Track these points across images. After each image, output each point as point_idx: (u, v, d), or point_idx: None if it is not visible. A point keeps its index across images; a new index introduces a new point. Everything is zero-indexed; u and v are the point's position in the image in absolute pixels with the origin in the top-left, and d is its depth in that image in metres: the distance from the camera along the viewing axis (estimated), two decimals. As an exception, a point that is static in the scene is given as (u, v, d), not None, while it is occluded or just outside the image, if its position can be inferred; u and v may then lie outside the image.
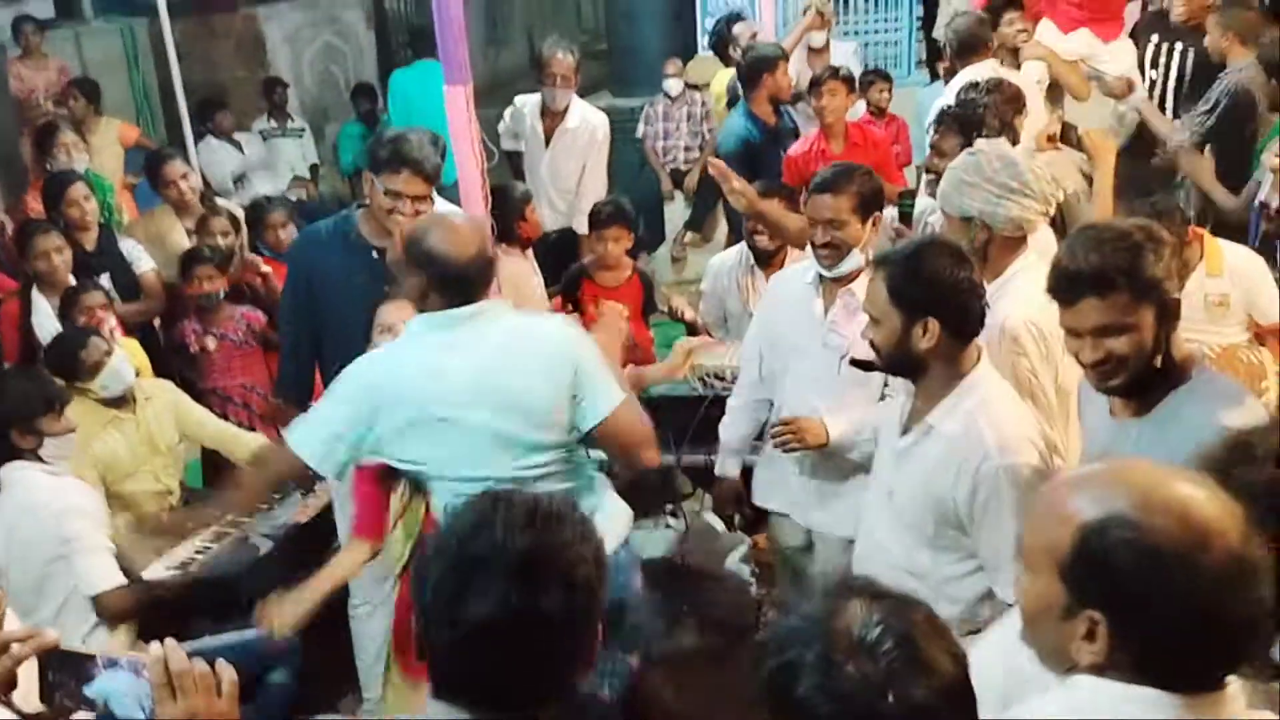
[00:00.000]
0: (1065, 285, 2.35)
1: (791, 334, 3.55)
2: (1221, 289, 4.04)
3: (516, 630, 1.52)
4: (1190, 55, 5.59)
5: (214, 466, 4.66)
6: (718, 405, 4.16)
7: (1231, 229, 4.57)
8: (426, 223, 3.00)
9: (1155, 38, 5.83)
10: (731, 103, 6.57)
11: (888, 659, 1.36)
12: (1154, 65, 5.81)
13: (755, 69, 5.81)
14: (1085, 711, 1.47)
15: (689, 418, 4.12)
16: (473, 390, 2.79)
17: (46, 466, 3.51)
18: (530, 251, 5.06)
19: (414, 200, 3.55)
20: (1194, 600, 1.39)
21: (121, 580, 3.41)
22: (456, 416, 2.79)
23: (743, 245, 4.88)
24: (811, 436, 3.34)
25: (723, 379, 4.24)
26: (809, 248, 3.53)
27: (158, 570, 3.66)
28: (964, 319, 2.67)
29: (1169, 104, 5.70)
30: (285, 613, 2.97)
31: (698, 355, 4.40)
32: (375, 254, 3.67)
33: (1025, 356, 3.05)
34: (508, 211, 4.79)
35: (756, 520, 4.80)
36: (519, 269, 4.78)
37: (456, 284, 2.81)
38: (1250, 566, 1.41)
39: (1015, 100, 4.52)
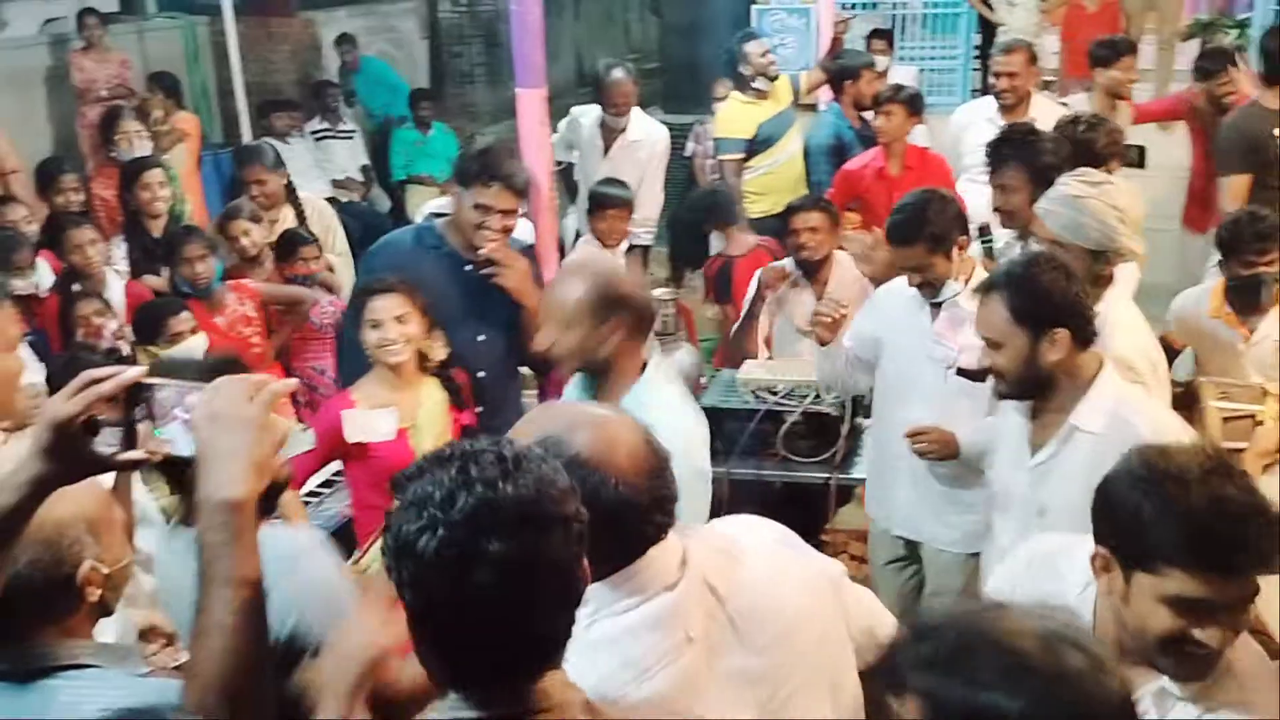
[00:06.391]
0: None
1: (899, 346, 3.53)
2: None
3: (530, 584, 1.37)
4: None
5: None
6: (769, 419, 4.17)
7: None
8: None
9: None
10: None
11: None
12: None
13: (839, 77, 5.98)
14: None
15: (740, 431, 4.13)
16: None
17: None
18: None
19: (503, 214, 3.51)
20: (609, 493, 1.64)
21: None
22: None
23: (788, 260, 4.86)
24: (946, 446, 3.32)
25: (774, 393, 4.22)
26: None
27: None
28: (1087, 323, 2.67)
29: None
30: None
31: (749, 369, 4.39)
32: (468, 268, 3.61)
33: (1141, 382, 2.96)
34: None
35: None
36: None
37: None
38: (652, 462, 1.71)
39: (1115, 137, 4.35)
